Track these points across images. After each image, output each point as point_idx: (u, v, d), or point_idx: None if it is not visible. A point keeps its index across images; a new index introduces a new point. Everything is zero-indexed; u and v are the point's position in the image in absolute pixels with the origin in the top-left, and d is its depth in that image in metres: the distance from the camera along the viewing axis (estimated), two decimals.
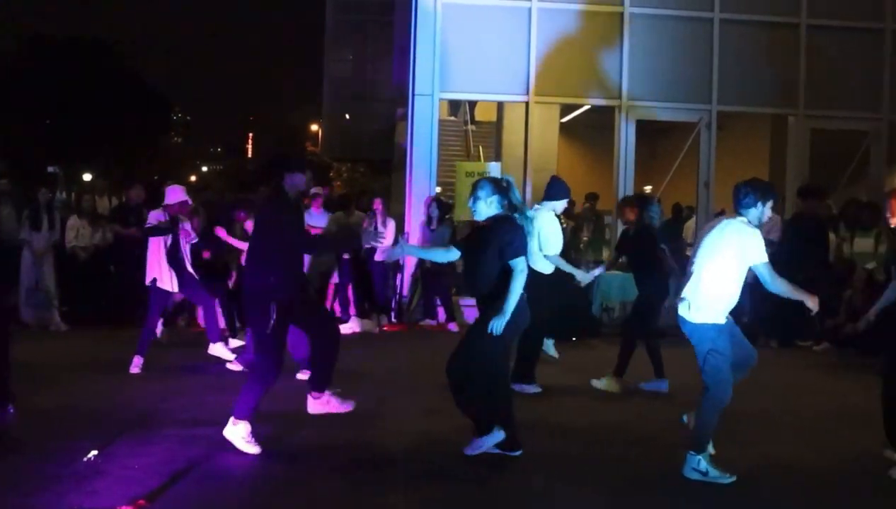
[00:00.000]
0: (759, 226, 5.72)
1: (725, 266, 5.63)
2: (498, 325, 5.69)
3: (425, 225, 12.82)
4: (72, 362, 9.44)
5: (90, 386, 8.18)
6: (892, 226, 6.15)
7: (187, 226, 9.29)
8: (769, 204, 5.71)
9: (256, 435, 6.02)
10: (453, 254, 6.38)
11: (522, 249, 5.88)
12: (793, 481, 5.78)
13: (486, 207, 6.00)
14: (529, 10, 13.81)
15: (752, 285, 11.32)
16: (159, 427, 6.65)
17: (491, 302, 5.84)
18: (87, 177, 38.72)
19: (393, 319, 13.01)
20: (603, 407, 7.84)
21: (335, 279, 12.73)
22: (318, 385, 6.33)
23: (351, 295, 12.63)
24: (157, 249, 9.10)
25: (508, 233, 5.88)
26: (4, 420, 6.40)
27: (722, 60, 14.13)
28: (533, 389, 8.23)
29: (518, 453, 5.95)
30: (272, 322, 6.00)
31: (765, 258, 5.58)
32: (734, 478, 5.57)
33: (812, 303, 5.73)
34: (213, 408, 7.16)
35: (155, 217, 9.26)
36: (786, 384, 9.15)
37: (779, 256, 11.49)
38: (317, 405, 6.34)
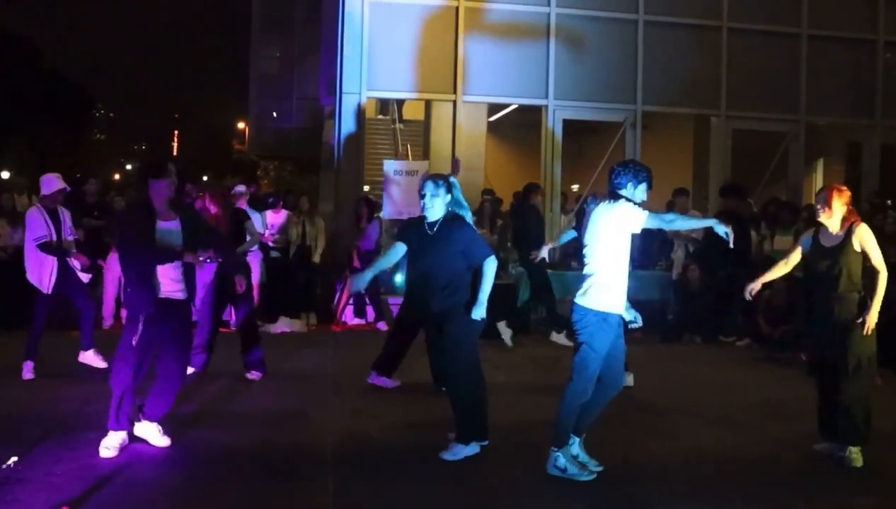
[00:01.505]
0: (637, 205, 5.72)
1: (607, 245, 5.66)
2: (480, 312, 5.95)
3: (354, 224, 12.77)
4: None
5: (9, 391, 7.95)
6: (820, 218, 6.22)
7: (67, 218, 8.93)
8: (642, 186, 5.76)
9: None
10: (400, 250, 6.32)
11: (487, 248, 6.18)
12: (713, 471, 5.91)
13: (441, 206, 6.09)
14: (457, 9, 13.87)
15: (678, 282, 11.59)
16: (82, 431, 6.49)
17: (452, 298, 6.01)
18: (4, 174, 37.68)
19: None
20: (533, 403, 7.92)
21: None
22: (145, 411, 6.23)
23: None
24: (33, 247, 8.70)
25: (469, 234, 6.11)
26: None
27: (646, 61, 14.39)
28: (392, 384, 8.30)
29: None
30: (138, 333, 5.93)
31: (644, 214, 5.60)
32: (594, 477, 5.63)
33: (725, 229, 5.98)
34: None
35: (33, 215, 8.73)
36: (708, 379, 9.35)
37: (701, 254, 11.81)
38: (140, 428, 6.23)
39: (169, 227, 6.07)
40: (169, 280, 6.07)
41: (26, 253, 8.74)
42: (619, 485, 5.60)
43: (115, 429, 6.02)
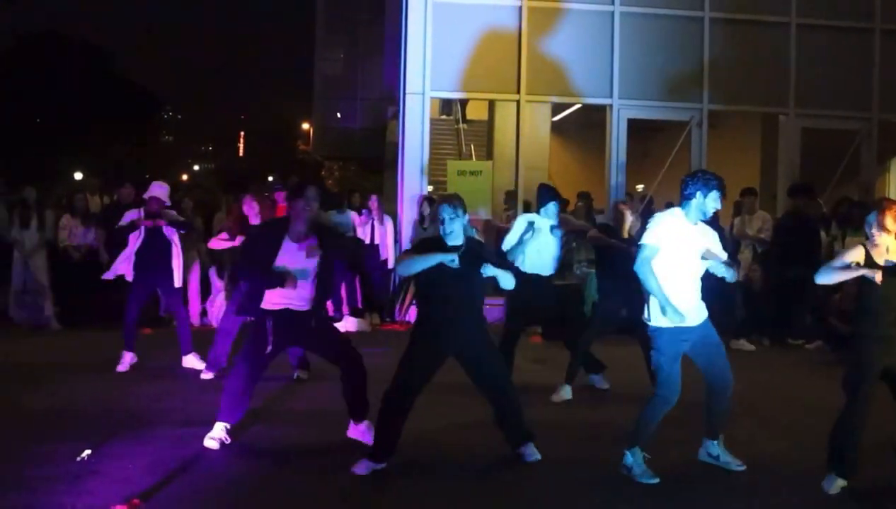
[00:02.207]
0: (706, 217, 5.76)
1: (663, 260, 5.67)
2: (509, 280, 5.91)
3: (417, 223, 12.84)
4: (64, 362, 9.42)
5: (83, 387, 8.16)
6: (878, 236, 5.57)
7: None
8: (713, 194, 5.68)
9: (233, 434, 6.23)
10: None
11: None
12: (777, 478, 5.80)
13: (461, 229, 5.90)
14: (520, 8, 13.84)
15: (744, 283, 11.39)
16: (152, 427, 6.66)
17: (482, 322, 6.01)
18: (78, 176, 38.64)
19: (388, 318, 12.98)
20: (593, 406, 7.88)
21: None
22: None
23: (344, 293, 12.61)
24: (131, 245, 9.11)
25: (490, 258, 6.00)
26: None
27: (713, 59, 14.18)
28: None
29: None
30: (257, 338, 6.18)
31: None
32: (657, 481, 5.58)
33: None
34: (205, 409, 7.18)
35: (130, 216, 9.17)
36: (775, 382, 9.20)
37: (770, 255, 11.62)
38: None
39: (296, 249, 6.16)
40: (285, 292, 6.14)
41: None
42: (681, 490, 5.54)
43: (221, 421, 6.20)
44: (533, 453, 6.05)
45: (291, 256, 6.14)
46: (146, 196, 9.16)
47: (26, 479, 5.33)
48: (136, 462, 5.70)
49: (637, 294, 8.09)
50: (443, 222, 5.84)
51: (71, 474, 5.41)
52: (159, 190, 9.17)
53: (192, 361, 9.19)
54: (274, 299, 6.17)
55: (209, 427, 6.19)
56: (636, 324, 8.25)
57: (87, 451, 5.77)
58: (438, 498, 5.33)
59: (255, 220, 8.77)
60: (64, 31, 48.32)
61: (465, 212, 5.90)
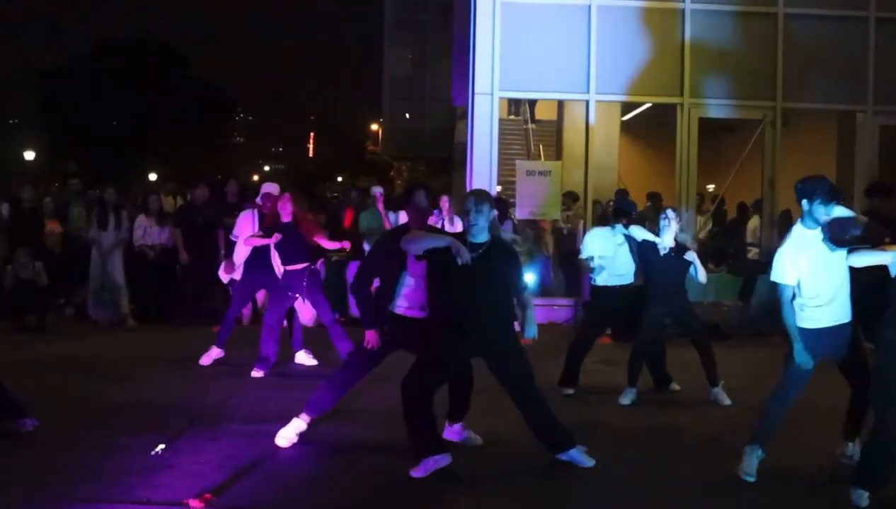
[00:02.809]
0: (819, 224, 5.52)
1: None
2: (533, 331, 5.92)
3: None
4: (140, 358, 9.63)
5: (157, 382, 8.34)
6: None
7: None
8: (817, 203, 5.45)
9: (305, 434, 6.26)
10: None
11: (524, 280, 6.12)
12: None
13: (486, 225, 5.71)
14: (589, 7, 13.72)
15: None
16: (224, 423, 6.77)
17: (502, 323, 5.86)
18: (152, 176, 39.50)
19: None
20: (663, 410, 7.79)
21: None
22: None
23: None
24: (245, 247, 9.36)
25: (518, 264, 5.95)
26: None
27: (787, 56, 13.87)
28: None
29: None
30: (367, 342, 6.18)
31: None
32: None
33: None
34: (277, 406, 7.30)
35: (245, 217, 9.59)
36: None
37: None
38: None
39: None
40: (404, 299, 6.11)
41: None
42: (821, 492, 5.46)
43: (306, 414, 6.26)
44: (581, 459, 5.85)
45: (412, 264, 6.01)
46: (264, 193, 9.53)
47: (104, 470, 5.47)
48: (209, 457, 5.80)
49: (679, 299, 8.08)
50: (467, 213, 5.66)
51: (145, 467, 5.53)
52: (273, 188, 9.53)
53: (302, 357, 9.39)
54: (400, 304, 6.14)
55: (279, 424, 6.27)
56: (681, 327, 8.22)
57: (162, 446, 5.89)
58: (513, 499, 5.33)
59: (286, 218, 8.81)
60: (140, 35, 49.43)
61: (491, 208, 5.74)
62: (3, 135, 44.78)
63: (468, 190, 13.72)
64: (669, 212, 8.09)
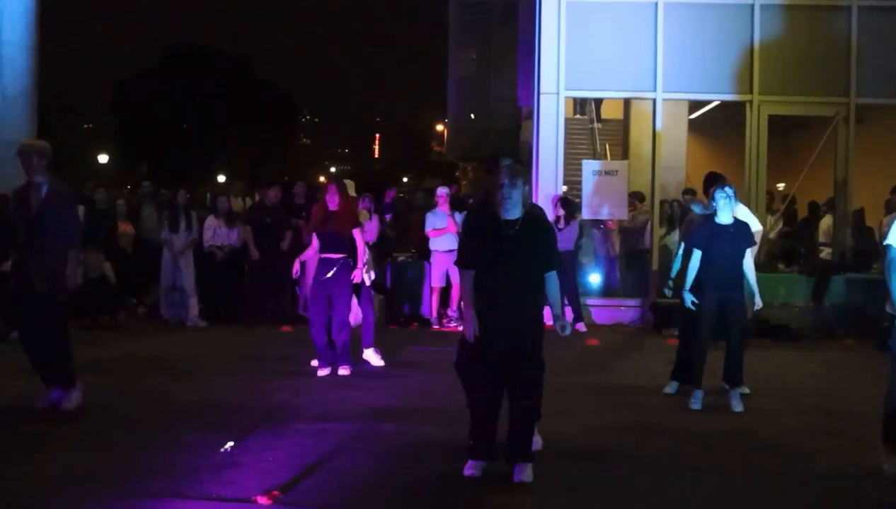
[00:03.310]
0: None
1: None
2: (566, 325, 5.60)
3: (552, 224, 12.72)
4: (209, 357, 9.79)
5: (226, 381, 8.46)
6: None
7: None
8: None
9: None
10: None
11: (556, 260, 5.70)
12: None
13: (520, 200, 5.44)
14: (656, 4, 13.58)
15: None
16: (291, 421, 6.82)
17: (535, 307, 5.55)
18: (221, 178, 40.13)
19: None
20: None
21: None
22: None
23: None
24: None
25: (552, 238, 5.71)
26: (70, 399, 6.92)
27: (861, 51, 13.53)
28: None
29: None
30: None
31: None
32: None
33: None
34: (342, 404, 7.37)
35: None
36: None
37: None
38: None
39: None
40: None
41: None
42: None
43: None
44: (525, 474, 5.45)
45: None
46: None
47: (174, 466, 5.56)
48: (276, 455, 5.85)
49: (730, 292, 7.74)
50: (502, 187, 5.39)
51: (214, 464, 5.60)
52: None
53: (370, 355, 9.40)
54: None
55: (346, 422, 6.33)
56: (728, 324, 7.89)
57: (230, 443, 5.96)
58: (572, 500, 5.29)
59: (333, 208, 8.83)
60: (207, 40, 50.37)
61: (525, 183, 5.50)
62: (79, 140, 45.92)
63: (534, 190, 13.67)
64: (728, 190, 7.70)
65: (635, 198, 14.04)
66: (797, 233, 15.63)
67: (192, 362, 9.48)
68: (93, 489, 5.16)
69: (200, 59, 46.26)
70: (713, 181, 8.16)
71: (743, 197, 13.59)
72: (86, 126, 50.48)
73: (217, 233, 12.84)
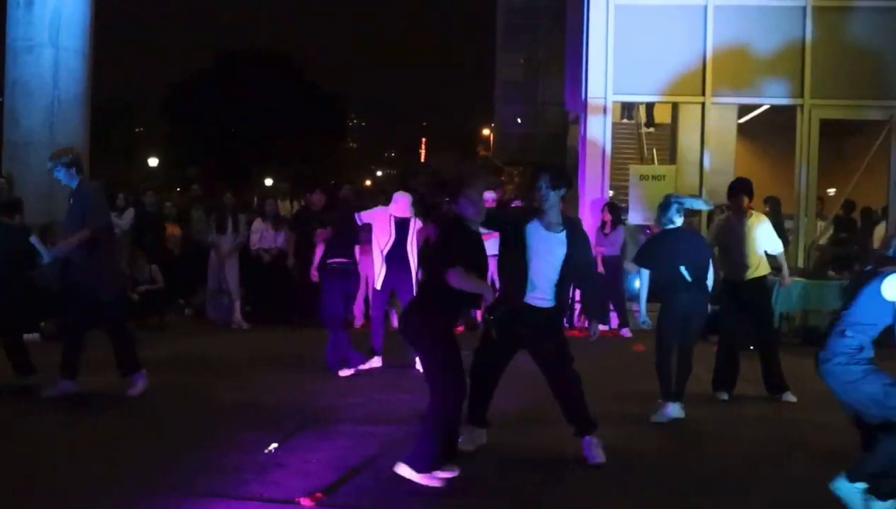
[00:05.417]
0: None
1: None
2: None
3: (599, 229, 12.65)
4: (254, 359, 9.86)
5: (271, 382, 8.51)
6: None
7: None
8: None
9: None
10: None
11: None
12: None
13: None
14: (705, 8, 13.44)
15: None
16: (335, 423, 6.85)
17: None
18: (268, 181, 40.49)
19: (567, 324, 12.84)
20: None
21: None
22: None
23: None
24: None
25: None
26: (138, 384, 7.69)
27: None
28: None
29: None
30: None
31: None
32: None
33: None
34: (387, 407, 7.40)
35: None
36: None
37: None
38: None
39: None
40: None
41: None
42: None
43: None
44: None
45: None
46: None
47: (219, 465, 5.61)
48: (320, 456, 5.87)
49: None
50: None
51: (258, 464, 5.65)
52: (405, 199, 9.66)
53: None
54: None
55: (391, 425, 6.35)
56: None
57: (275, 444, 6.00)
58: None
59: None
60: (257, 44, 50.89)
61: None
62: (130, 143, 46.73)
63: (581, 195, 13.62)
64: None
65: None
66: (851, 239, 15.36)
67: (237, 363, 9.56)
68: (141, 485, 5.25)
69: (250, 63, 46.72)
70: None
71: (793, 202, 13.46)
72: (137, 129, 51.32)
73: (264, 236, 12.95)
